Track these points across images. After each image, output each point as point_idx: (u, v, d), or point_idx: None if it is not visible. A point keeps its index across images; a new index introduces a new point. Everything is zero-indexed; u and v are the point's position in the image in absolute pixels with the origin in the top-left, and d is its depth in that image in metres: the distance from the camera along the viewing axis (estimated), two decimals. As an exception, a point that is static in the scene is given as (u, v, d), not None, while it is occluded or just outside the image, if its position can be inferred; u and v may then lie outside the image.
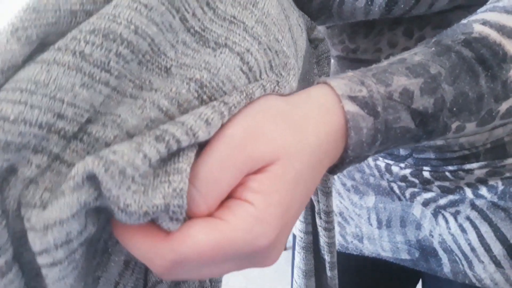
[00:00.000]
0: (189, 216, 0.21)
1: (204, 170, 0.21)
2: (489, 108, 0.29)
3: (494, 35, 0.29)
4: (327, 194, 0.39)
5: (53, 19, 0.19)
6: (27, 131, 0.18)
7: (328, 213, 0.40)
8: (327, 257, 0.43)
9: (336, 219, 0.60)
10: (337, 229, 0.60)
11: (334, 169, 0.28)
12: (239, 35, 0.24)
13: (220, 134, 0.21)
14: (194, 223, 0.20)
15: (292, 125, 0.23)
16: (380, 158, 0.52)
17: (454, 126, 0.28)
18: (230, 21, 0.24)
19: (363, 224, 0.57)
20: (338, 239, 0.60)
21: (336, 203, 0.60)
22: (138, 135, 0.20)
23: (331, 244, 0.42)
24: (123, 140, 0.20)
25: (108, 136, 0.20)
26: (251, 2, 0.25)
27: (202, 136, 0.20)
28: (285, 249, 1.52)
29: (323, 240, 0.42)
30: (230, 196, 0.22)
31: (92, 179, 0.19)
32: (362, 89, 0.26)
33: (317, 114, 0.24)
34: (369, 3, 0.38)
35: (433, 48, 0.29)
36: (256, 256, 0.21)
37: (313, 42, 0.37)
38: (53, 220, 0.18)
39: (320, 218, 0.41)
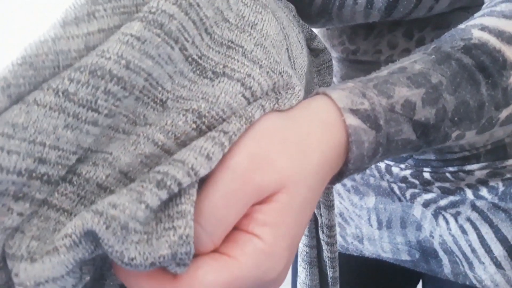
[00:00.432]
0: (195, 254, 0.20)
1: (210, 208, 0.20)
2: (489, 116, 0.28)
3: (493, 41, 0.28)
4: (330, 207, 0.39)
5: (51, 76, 0.18)
6: (4, 178, 0.17)
7: (331, 227, 0.40)
8: (329, 272, 0.42)
9: (336, 219, 0.60)
10: (337, 229, 0.60)
11: (332, 180, 0.27)
12: (238, 61, 0.22)
13: (223, 165, 0.20)
14: (202, 263, 0.20)
15: (295, 143, 0.22)
16: None
17: (454, 135, 0.28)
18: (228, 46, 0.23)
19: (363, 225, 0.57)
20: (338, 240, 0.60)
21: (336, 204, 0.59)
22: (138, 182, 0.19)
23: (333, 259, 0.42)
24: (116, 179, 0.19)
25: (99, 176, 0.19)
26: (249, 24, 0.24)
27: (204, 172, 0.19)
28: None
29: (325, 254, 0.42)
30: (235, 227, 0.21)
31: (89, 235, 0.17)
32: (363, 102, 0.25)
33: (318, 129, 0.24)
34: (369, 6, 0.38)
35: (433, 56, 0.28)
36: (265, 286, 0.21)
37: (313, 51, 0.37)
38: (44, 279, 0.17)
39: (323, 232, 0.40)
